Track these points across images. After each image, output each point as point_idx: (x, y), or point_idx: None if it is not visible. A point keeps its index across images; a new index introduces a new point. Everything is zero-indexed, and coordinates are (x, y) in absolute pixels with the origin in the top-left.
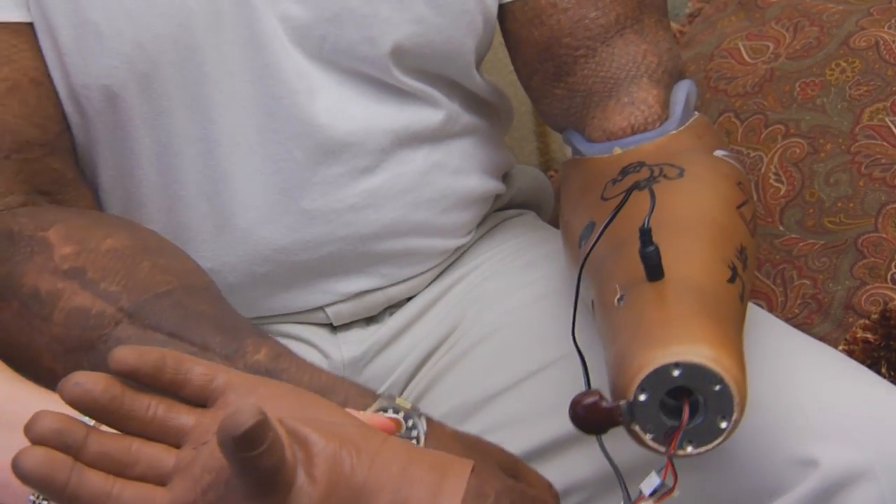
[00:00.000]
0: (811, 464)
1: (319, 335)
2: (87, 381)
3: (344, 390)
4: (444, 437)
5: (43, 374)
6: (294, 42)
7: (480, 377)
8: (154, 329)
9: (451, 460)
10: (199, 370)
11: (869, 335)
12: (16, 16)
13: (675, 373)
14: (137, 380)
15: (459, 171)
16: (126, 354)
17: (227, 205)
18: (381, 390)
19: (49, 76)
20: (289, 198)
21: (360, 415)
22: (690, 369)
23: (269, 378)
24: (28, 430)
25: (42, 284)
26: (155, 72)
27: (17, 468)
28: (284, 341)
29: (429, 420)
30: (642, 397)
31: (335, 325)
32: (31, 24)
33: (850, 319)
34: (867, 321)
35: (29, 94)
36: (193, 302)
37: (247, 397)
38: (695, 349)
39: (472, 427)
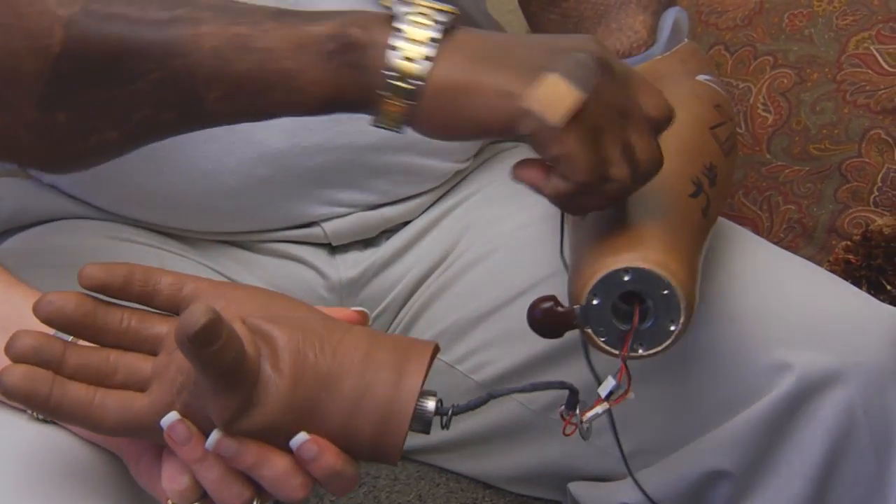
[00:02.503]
0: (785, 368)
1: (318, 256)
2: (59, 300)
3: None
4: None
5: (29, 12)
6: None
7: (474, 296)
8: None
9: (411, 342)
10: (167, 280)
11: (850, 256)
12: None
13: (625, 278)
14: (108, 294)
15: None
16: (94, 270)
17: None
18: (377, 311)
19: None
20: None
21: (325, 309)
22: (639, 274)
23: (236, 283)
24: (8, 349)
25: (42, 25)
26: None
27: (1, 387)
28: (284, 262)
29: None
30: (595, 301)
31: (333, 244)
32: None
33: (834, 242)
34: (849, 243)
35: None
36: None
37: (214, 302)
38: (644, 255)
39: (467, 344)
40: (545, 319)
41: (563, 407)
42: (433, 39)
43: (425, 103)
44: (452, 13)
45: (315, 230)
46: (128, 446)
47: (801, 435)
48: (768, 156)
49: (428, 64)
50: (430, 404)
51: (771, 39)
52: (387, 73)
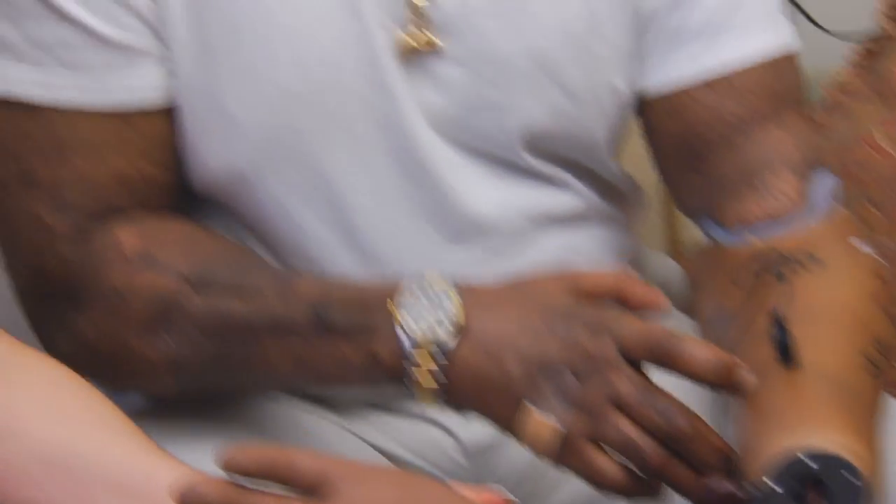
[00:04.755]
0: None
1: (451, 414)
2: (204, 487)
3: (380, 292)
4: None
5: (132, 364)
6: (432, 126)
7: None
8: (216, 291)
9: None
10: (309, 463)
11: None
12: (150, 98)
13: (811, 464)
14: (250, 476)
15: (598, 260)
16: (238, 456)
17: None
18: (517, 478)
19: (165, 165)
20: None
21: (467, 491)
22: (826, 460)
23: (376, 465)
24: None
25: (118, 280)
26: (290, 155)
27: None
28: (418, 424)
29: None
30: (778, 489)
31: None
32: (161, 108)
33: None
34: None
35: (138, 185)
36: (247, 261)
37: (357, 487)
38: (832, 439)
39: None
40: (722, 502)
41: None
42: (442, 366)
43: (452, 391)
44: (458, 326)
45: None
46: None
47: None
48: None
49: (442, 378)
50: None
51: None
52: (413, 383)
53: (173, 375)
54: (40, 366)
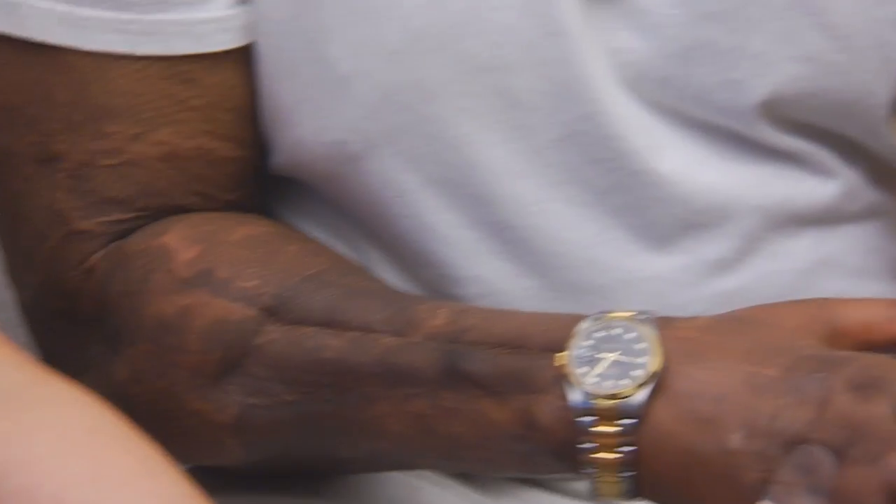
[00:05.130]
0: None
1: None
2: None
3: (541, 331)
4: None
5: (185, 424)
6: (627, 84)
7: None
8: (302, 321)
9: None
10: None
11: None
12: (218, 43)
13: None
14: None
15: (860, 273)
16: None
17: None
18: None
19: (237, 139)
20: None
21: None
22: None
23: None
24: None
25: (166, 308)
26: (416, 124)
27: None
28: None
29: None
30: None
31: None
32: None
33: None
34: None
35: (197, 168)
36: (348, 280)
37: None
38: None
39: None
40: None
41: None
42: (626, 428)
43: (643, 474)
44: (654, 380)
45: None
46: None
47: None
48: None
49: (629, 454)
50: None
51: None
52: (586, 460)
53: (243, 442)
54: (71, 403)
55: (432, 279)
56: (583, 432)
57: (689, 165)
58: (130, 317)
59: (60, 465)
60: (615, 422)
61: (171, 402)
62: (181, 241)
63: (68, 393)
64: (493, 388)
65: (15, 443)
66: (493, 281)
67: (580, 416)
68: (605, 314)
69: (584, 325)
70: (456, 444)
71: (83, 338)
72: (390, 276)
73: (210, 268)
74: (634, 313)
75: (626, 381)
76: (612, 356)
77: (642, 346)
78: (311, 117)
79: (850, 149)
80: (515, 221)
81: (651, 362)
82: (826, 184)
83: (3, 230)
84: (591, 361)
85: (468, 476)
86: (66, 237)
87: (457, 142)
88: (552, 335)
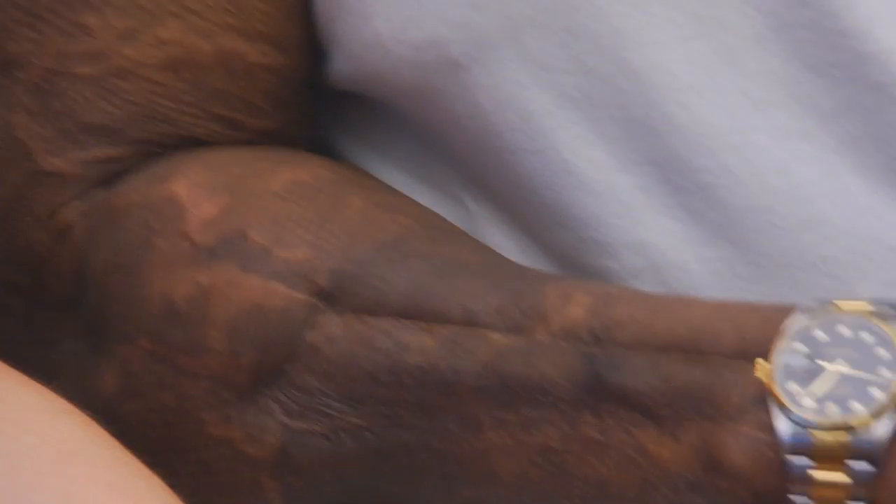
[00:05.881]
0: None
1: None
2: None
3: (731, 328)
4: None
5: (202, 456)
6: None
7: None
8: (374, 310)
9: None
10: None
11: None
12: None
13: None
14: None
15: None
16: None
17: None
18: None
19: (280, 39)
20: None
21: None
22: None
23: None
24: None
25: (176, 288)
26: (549, 18)
27: None
28: None
29: None
30: None
31: None
32: None
33: None
34: None
35: (209, 74)
36: (440, 248)
37: None
38: None
39: None
40: None
41: None
42: (859, 477)
43: None
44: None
45: None
46: None
47: None
48: None
49: None
50: None
51: None
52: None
53: (284, 488)
54: (34, 411)
55: (567, 247)
56: (795, 480)
57: None
58: (123, 300)
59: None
60: (843, 466)
61: (183, 426)
62: (196, 191)
63: (31, 397)
64: (658, 412)
65: None
66: (661, 249)
67: (790, 456)
68: (828, 304)
69: (796, 321)
70: (601, 492)
71: (52, 328)
72: (503, 241)
73: (240, 230)
74: (873, 303)
75: (859, 407)
76: (838, 367)
77: (884, 353)
78: (392, 4)
79: None
80: (697, 161)
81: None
82: None
83: None
84: (808, 375)
85: None
86: (28, 180)
87: (612, 40)
88: (747, 334)
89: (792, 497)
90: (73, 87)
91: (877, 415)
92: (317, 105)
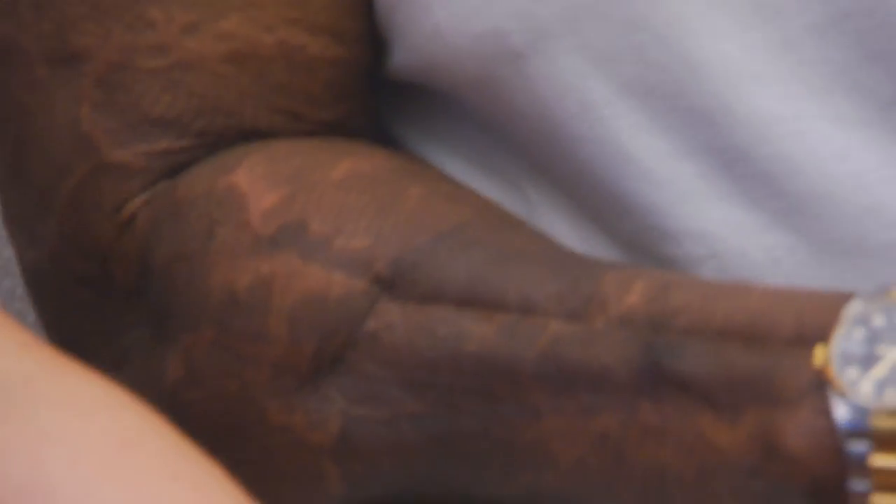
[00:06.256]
0: None
1: None
2: None
3: (790, 315)
4: None
5: (265, 442)
6: None
7: None
8: (434, 298)
9: None
10: None
11: None
12: None
13: None
14: None
15: None
16: None
17: None
18: None
19: (342, 31)
20: None
21: None
22: None
23: None
24: None
25: (238, 278)
26: (609, 9)
27: None
28: None
29: None
30: None
31: None
32: None
33: None
34: None
35: (271, 67)
36: (500, 237)
37: None
38: None
39: None
40: None
41: None
42: None
43: None
44: None
45: None
46: None
47: None
48: None
49: None
50: None
51: None
52: None
53: (345, 472)
54: (98, 403)
55: (629, 235)
56: (854, 465)
57: None
58: (186, 290)
59: (80, 493)
60: None
61: (245, 413)
62: (258, 182)
63: (95, 390)
64: (717, 398)
65: (17, 459)
66: (722, 237)
67: (849, 442)
68: (887, 290)
69: (855, 307)
70: (659, 478)
71: (118, 317)
72: (564, 230)
73: (300, 220)
74: None
75: None
76: None
77: None
78: (464, 5)
79: None
80: (757, 149)
81: None
82: None
83: (3, 160)
84: (867, 361)
85: None
86: (94, 172)
87: (671, 30)
88: (806, 320)
89: (850, 482)
90: (138, 81)
91: None
92: (377, 96)
